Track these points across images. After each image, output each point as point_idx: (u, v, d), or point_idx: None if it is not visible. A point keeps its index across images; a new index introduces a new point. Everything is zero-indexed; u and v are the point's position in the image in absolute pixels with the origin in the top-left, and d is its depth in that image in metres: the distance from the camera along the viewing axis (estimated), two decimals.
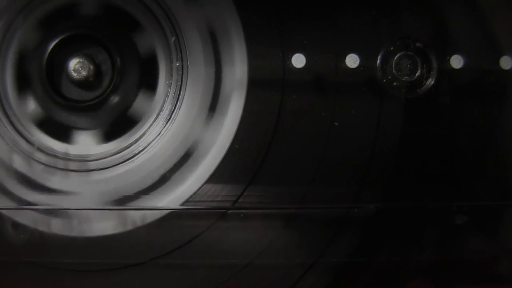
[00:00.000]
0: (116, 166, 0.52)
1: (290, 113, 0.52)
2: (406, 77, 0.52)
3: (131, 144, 0.53)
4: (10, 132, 0.52)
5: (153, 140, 0.52)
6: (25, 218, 0.51)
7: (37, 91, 0.53)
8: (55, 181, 0.52)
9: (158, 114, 0.53)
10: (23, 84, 0.53)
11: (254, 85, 0.52)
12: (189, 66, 0.52)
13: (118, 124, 0.54)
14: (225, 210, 0.51)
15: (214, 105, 0.52)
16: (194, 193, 0.51)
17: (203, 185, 0.51)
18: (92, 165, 0.52)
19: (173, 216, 0.51)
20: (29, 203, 0.51)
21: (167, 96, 0.53)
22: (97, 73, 0.53)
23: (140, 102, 0.54)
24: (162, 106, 0.53)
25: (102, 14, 0.54)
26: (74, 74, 0.52)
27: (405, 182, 0.52)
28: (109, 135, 0.54)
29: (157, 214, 0.51)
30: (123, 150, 0.53)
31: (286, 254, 0.52)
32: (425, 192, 0.52)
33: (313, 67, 0.52)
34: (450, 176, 0.52)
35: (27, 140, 0.53)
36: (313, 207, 0.52)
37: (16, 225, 0.51)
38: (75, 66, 0.52)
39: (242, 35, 0.51)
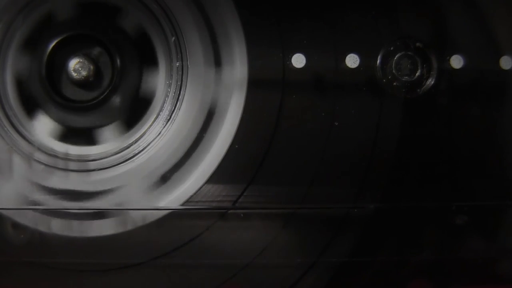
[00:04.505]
0: (116, 166, 0.52)
1: (290, 113, 0.52)
2: (406, 77, 0.52)
3: (131, 144, 0.53)
4: (10, 132, 0.52)
5: (153, 140, 0.52)
6: (25, 218, 0.51)
7: (36, 91, 0.53)
8: (55, 181, 0.52)
9: (158, 114, 0.53)
10: (23, 85, 0.53)
11: (254, 85, 0.51)
12: (189, 66, 0.52)
13: (117, 125, 0.54)
14: (225, 210, 0.51)
15: (214, 105, 0.52)
16: (194, 193, 0.51)
17: (203, 185, 0.51)
18: (92, 165, 0.52)
19: (173, 216, 0.51)
20: (29, 203, 0.51)
21: (167, 96, 0.53)
22: (97, 73, 0.53)
23: (139, 102, 0.53)
24: (162, 106, 0.53)
25: (101, 14, 0.54)
26: (74, 74, 0.52)
27: (405, 182, 0.52)
28: (108, 136, 0.54)
29: (157, 214, 0.51)
30: (123, 150, 0.53)
31: (286, 254, 0.52)
32: (425, 192, 0.52)
33: (313, 67, 0.52)
34: (450, 176, 0.52)
35: (27, 140, 0.53)
36: (313, 207, 0.52)
37: (16, 225, 0.51)
38: (75, 66, 0.52)
39: (242, 35, 0.51)
